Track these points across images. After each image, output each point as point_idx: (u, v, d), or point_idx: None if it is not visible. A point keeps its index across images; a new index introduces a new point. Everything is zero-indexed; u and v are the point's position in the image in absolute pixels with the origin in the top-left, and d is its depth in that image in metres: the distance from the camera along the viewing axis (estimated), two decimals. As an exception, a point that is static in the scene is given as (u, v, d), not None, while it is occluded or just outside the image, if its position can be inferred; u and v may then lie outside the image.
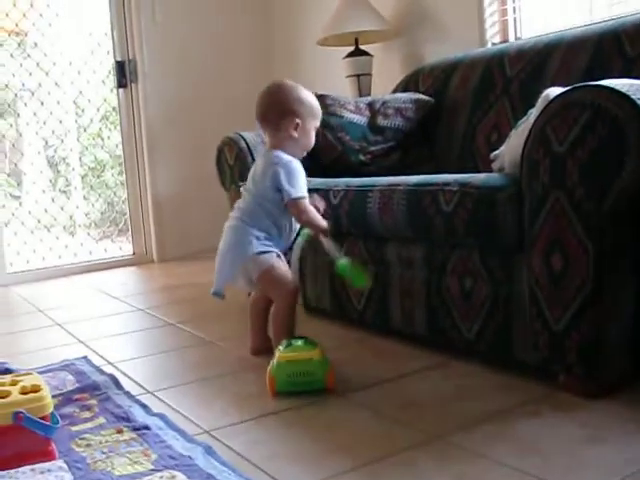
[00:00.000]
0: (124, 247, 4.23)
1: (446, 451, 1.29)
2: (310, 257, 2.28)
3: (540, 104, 1.55)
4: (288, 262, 1.90)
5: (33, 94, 4.15)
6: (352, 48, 3.24)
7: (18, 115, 4.27)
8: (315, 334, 1.75)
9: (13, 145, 4.42)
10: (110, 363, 2.02)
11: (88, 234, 4.35)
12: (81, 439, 1.43)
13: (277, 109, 1.86)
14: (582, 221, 1.39)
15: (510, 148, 1.76)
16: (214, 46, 4.15)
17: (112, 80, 4.12)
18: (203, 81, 4.11)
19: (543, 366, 1.55)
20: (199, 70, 4.11)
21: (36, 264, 3.94)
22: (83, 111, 4.31)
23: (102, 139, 4.50)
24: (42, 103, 4.13)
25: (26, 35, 4.22)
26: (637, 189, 1.38)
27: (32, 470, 1.24)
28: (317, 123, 1.93)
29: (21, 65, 4.08)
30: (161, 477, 1.23)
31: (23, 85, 4.18)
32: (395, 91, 2.89)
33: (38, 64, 4.06)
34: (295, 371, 1.62)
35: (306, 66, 3.97)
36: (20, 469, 1.24)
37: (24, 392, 1.31)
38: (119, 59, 4.02)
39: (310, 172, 2.59)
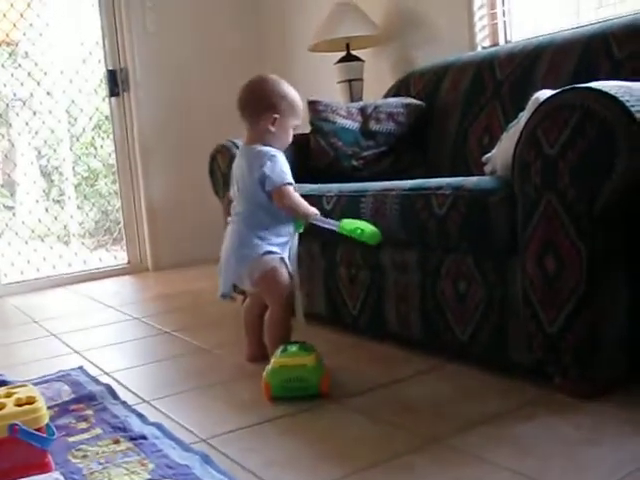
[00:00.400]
0: (119, 256, 4.23)
1: (443, 454, 1.29)
2: (305, 262, 2.29)
3: (530, 107, 1.56)
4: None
5: (25, 104, 4.15)
6: (343, 53, 3.25)
7: (10, 125, 4.27)
8: (310, 339, 1.75)
9: (6, 155, 4.41)
10: (106, 373, 2.02)
11: (82, 243, 4.34)
12: (77, 450, 1.43)
13: (256, 102, 1.85)
14: (574, 223, 1.40)
15: (501, 151, 1.76)
16: (205, 54, 4.15)
17: (104, 89, 4.12)
18: (195, 89, 4.12)
19: (538, 368, 1.55)
20: (191, 78, 4.11)
21: (30, 274, 3.92)
22: (75, 120, 4.31)
23: (95, 148, 4.50)
24: (34, 113, 4.14)
25: (17, 45, 4.22)
26: (628, 190, 1.39)
27: (28, 482, 1.24)
28: (297, 121, 1.89)
29: (12, 75, 4.08)
30: (158, 487, 1.23)
31: (15, 95, 4.17)
32: (386, 96, 2.90)
33: (29, 74, 4.06)
34: (289, 377, 1.63)
35: (298, 72, 3.98)
36: (16, 481, 1.24)
37: (19, 404, 1.31)
38: (111, 68, 4.02)
39: (303, 178, 2.60)
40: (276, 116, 1.83)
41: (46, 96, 4.11)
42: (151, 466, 1.31)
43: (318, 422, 1.51)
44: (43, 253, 4.06)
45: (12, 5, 3.90)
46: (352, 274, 2.10)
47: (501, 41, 2.84)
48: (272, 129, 1.84)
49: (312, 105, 2.69)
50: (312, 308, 2.31)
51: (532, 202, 1.46)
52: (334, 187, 2.15)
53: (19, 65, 4.11)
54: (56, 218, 4.35)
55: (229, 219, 1.92)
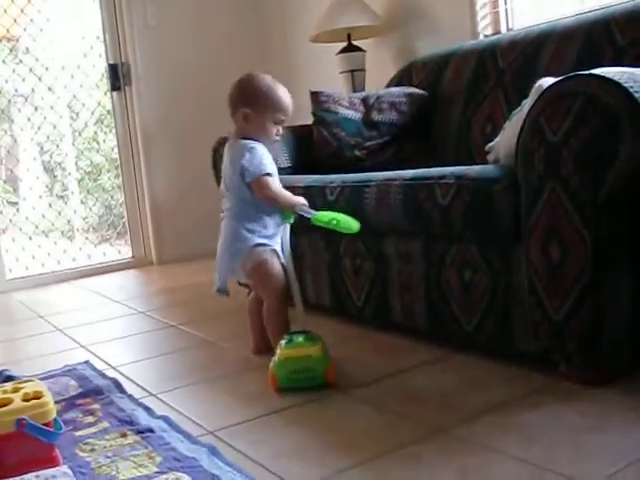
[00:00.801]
0: (123, 250, 4.23)
1: (449, 444, 1.30)
2: (309, 254, 2.29)
3: (533, 94, 1.55)
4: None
5: (27, 99, 4.15)
6: (345, 44, 3.24)
7: (12, 121, 4.27)
8: (315, 330, 1.75)
9: (8, 151, 4.42)
10: (112, 367, 2.02)
11: (86, 238, 4.35)
12: (85, 444, 1.43)
13: (234, 98, 1.87)
14: (578, 210, 1.39)
15: (505, 139, 1.76)
16: (207, 47, 4.14)
17: (106, 83, 4.11)
18: (197, 82, 4.10)
19: (544, 356, 1.55)
20: (192, 71, 4.10)
21: (35, 270, 3.93)
22: (77, 115, 4.30)
23: (97, 142, 4.50)
24: (36, 108, 4.13)
25: (17, 41, 4.21)
26: (632, 177, 1.38)
27: (37, 477, 1.24)
28: (278, 116, 1.86)
29: (14, 71, 4.08)
30: (166, 479, 1.23)
31: (16, 91, 4.17)
32: (389, 86, 2.89)
33: (31, 69, 4.05)
34: (295, 368, 1.64)
35: (300, 63, 3.97)
36: (25, 476, 1.24)
37: (26, 399, 1.31)
38: (112, 62, 4.01)
39: (306, 169, 2.60)
40: (246, 110, 1.83)
41: (48, 91, 4.11)
42: (159, 459, 1.32)
43: (324, 413, 1.52)
44: (47, 248, 4.06)
45: (13, 1, 3.89)
46: (356, 265, 2.09)
47: (503, 29, 2.83)
48: (246, 123, 1.84)
49: (314, 96, 2.69)
50: (317, 300, 2.31)
51: (536, 190, 1.46)
52: (337, 178, 2.14)
53: (20, 61, 4.10)
54: (60, 213, 4.35)
55: (221, 215, 1.93)
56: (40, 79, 4.07)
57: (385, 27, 3.25)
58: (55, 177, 4.56)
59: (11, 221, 4.15)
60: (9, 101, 4.16)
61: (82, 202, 4.45)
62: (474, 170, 1.66)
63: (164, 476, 1.24)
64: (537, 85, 1.58)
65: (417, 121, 2.62)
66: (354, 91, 3.14)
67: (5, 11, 3.89)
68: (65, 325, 2.66)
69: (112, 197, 4.42)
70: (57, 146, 4.43)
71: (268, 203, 1.82)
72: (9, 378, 1.85)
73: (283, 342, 1.69)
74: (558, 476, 1.13)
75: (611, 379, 1.48)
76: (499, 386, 1.55)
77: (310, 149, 2.69)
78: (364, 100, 2.65)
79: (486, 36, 2.83)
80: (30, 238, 4.08)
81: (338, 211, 1.78)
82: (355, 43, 3.24)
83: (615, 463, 1.15)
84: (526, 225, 1.50)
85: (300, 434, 1.42)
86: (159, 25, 4.01)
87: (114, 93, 4.04)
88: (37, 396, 1.33)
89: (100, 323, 2.67)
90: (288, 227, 1.83)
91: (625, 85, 1.31)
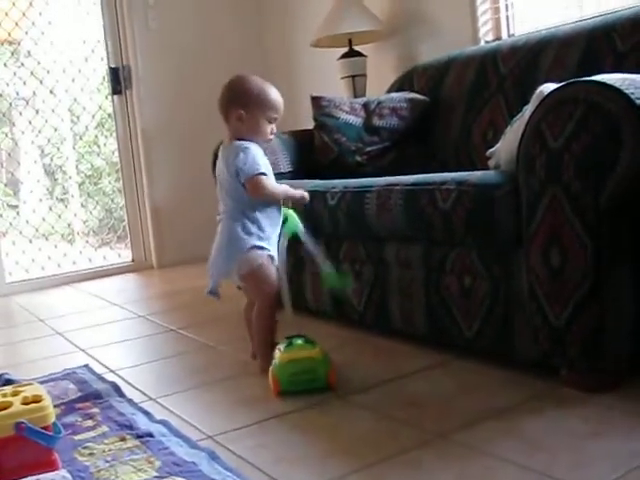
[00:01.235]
0: (123, 254, 4.23)
1: (450, 449, 1.29)
2: (308, 260, 2.28)
3: (534, 100, 1.55)
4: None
5: (28, 103, 4.15)
6: (346, 49, 3.25)
7: (13, 124, 4.28)
8: (315, 335, 1.75)
9: (9, 154, 4.42)
10: (112, 371, 2.02)
11: (87, 242, 4.35)
12: (84, 448, 1.43)
13: (224, 100, 1.87)
14: (579, 216, 1.39)
15: (506, 145, 1.76)
16: (207, 50, 4.14)
17: (107, 87, 4.12)
18: (197, 85, 4.11)
19: (544, 361, 1.55)
20: (193, 74, 4.11)
21: (35, 273, 3.93)
22: (78, 118, 4.31)
23: (98, 146, 4.50)
24: (37, 111, 4.14)
25: (19, 44, 4.22)
26: (633, 183, 1.38)
27: (36, 480, 1.24)
28: (271, 114, 1.85)
29: (15, 74, 4.09)
30: (165, 484, 1.23)
31: (17, 94, 4.17)
32: (390, 91, 2.89)
33: (32, 72, 4.06)
34: (297, 370, 1.63)
35: (301, 68, 3.98)
36: (24, 480, 1.24)
37: (26, 402, 1.31)
38: (113, 65, 4.02)
39: (307, 174, 2.60)
40: (241, 112, 1.83)
41: (49, 95, 4.11)
42: (158, 463, 1.31)
43: (325, 418, 1.51)
44: (48, 252, 4.06)
45: (14, 4, 3.90)
46: (356, 270, 2.09)
47: (504, 35, 2.83)
48: (239, 125, 1.84)
49: (315, 101, 2.69)
50: (318, 305, 2.31)
51: (537, 196, 1.46)
52: (339, 183, 2.14)
53: (22, 64, 4.11)
54: (60, 216, 4.35)
55: (218, 218, 1.92)
56: (41, 82, 4.08)
57: (386, 32, 3.26)
58: (56, 180, 4.57)
59: (11, 224, 4.15)
60: (10, 104, 4.17)
61: (82, 205, 4.46)
62: (475, 176, 1.66)
63: (163, 481, 1.24)
64: (538, 91, 1.58)
65: (418, 126, 2.63)
66: (355, 96, 3.14)
67: (6, 14, 3.90)
68: (65, 329, 2.66)
69: (112, 201, 4.42)
70: (58, 149, 4.43)
71: (268, 201, 1.82)
72: (8, 381, 1.84)
73: (282, 346, 1.69)
74: (559, 482, 1.13)
75: (612, 385, 1.47)
76: (499, 392, 1.54)
77: (311, 154, 2.69)
78: (365, 105, 2.65)
79: (487, 42, 2.83)
80: (30, 241, 4.09)
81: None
82: (356, 48, 3.24)
83: (617, 469, 1.14)
84: (527, 231, 1.50)
85: (300, 439, 1.41)
86: (160, 29, 4.02)
87: (115, 96, 4.05)
88: (36, 400, 1.32)
89: (100, 327, 2.67)
90: (285, 234, 1.84)
91: (626, 91, 1.32)
